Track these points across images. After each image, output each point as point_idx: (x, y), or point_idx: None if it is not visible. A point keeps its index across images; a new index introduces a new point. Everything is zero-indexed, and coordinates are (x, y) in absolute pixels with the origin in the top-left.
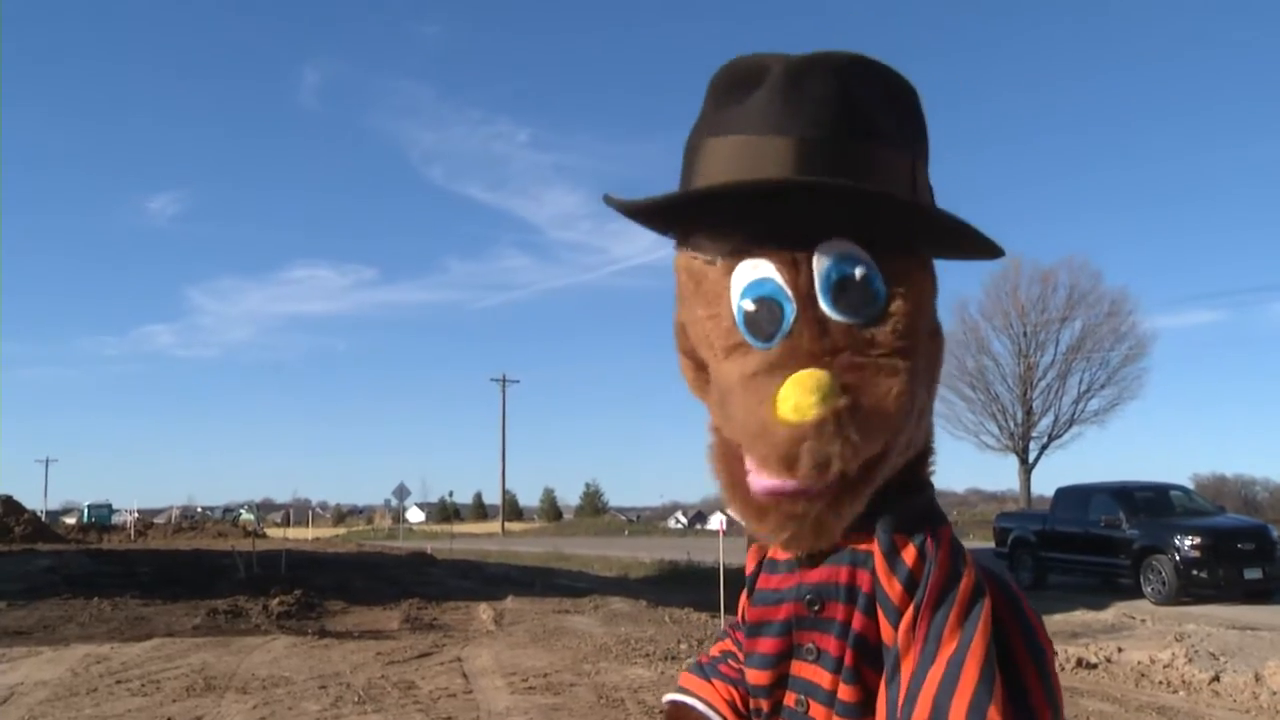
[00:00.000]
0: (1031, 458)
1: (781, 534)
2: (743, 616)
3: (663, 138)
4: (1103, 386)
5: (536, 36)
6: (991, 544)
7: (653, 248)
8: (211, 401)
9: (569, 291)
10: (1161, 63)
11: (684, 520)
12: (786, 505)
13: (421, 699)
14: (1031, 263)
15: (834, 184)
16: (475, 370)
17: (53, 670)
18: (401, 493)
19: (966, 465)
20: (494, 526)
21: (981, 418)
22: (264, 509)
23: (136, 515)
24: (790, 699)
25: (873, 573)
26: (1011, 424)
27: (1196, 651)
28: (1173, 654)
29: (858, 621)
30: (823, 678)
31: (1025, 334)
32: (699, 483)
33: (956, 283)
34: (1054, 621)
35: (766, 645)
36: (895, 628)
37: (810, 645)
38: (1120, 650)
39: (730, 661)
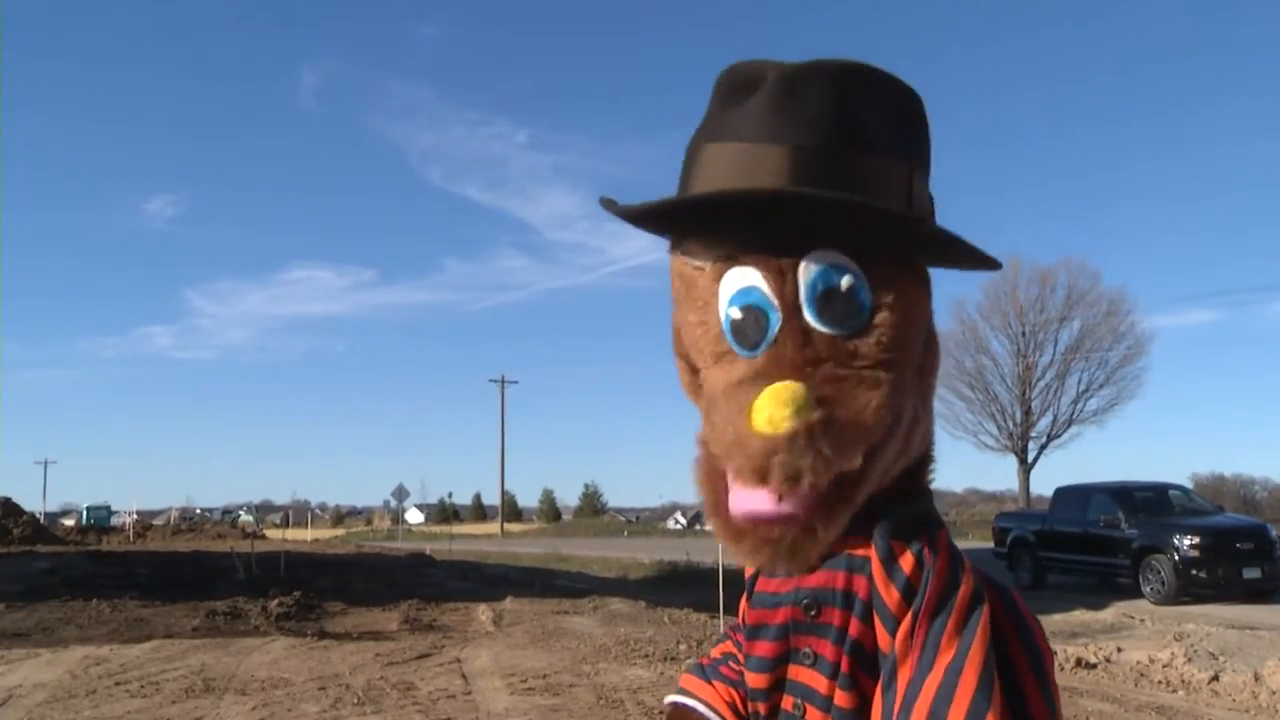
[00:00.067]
0: (1030, 458)
1: (757, 558)
2: (743, 619)
3: (661, 139)
4: (1101, 386)
5: (535, 38)
6: (990, 544)
7: (650, 249)
8: (210, 403)
9: (567, 292)
10: (1161, 63)
11: (683, 521)
12: (763, 530)
13: (421, 700)
14: (1030, 263)
15: (821, 195)
16: (474, 371)
17: (51, 672)
18: (400, 494)
19: (965, 465)
20: (493, 527)
21: (980, 418)
22: (263, 510)
23: (135, 517)
24: (787, 703)
25: (870, 579)
26: (1010, 424)
27: (1196, 651)
28: (1172, 654)
29: (854, 628)
30: (819, 683)
31: (1024, 334)
32: None
33: (955, 283)
34: (1053, 621)
35: (764, 648)
36: (892, 635)
37: (807, 650)
38: (1119, 650)
39: (731, 663)
